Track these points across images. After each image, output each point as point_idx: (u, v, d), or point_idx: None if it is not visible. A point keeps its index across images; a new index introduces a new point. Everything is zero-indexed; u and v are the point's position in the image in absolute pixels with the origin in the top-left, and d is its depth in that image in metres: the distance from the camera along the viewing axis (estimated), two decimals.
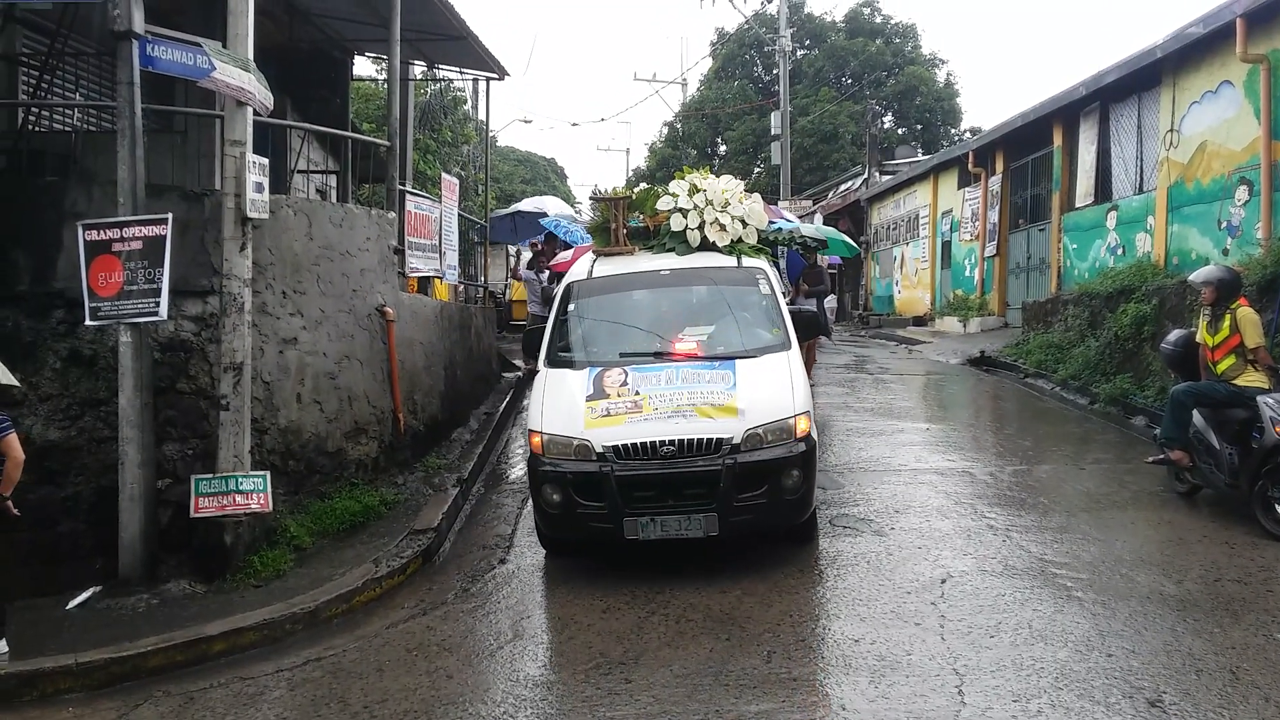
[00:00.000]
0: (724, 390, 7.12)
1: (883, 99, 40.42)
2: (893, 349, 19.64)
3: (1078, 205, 17.00)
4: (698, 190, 8.79)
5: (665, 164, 44.54)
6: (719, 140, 46.64)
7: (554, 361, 7.91)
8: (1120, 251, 15.22)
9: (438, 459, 10.80)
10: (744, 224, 8.76)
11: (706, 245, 8.70)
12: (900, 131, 41.13)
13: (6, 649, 6.50)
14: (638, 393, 7.18)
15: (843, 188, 33.66)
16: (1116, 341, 12.26)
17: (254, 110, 7.97)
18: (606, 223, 9.10)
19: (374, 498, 9.21)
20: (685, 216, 8.71)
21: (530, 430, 7.43)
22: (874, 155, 31.02)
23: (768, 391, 7.17)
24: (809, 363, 13.41)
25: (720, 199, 8.72)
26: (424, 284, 13.19)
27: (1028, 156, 19.29)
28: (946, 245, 23.30)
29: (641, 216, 9.04)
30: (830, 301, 16.80)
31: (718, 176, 9.04)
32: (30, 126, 10.10)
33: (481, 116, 23.86)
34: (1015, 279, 19.88)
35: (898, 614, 6.26)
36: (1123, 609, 6.11)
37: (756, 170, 41.58)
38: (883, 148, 33.52)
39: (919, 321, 23.47)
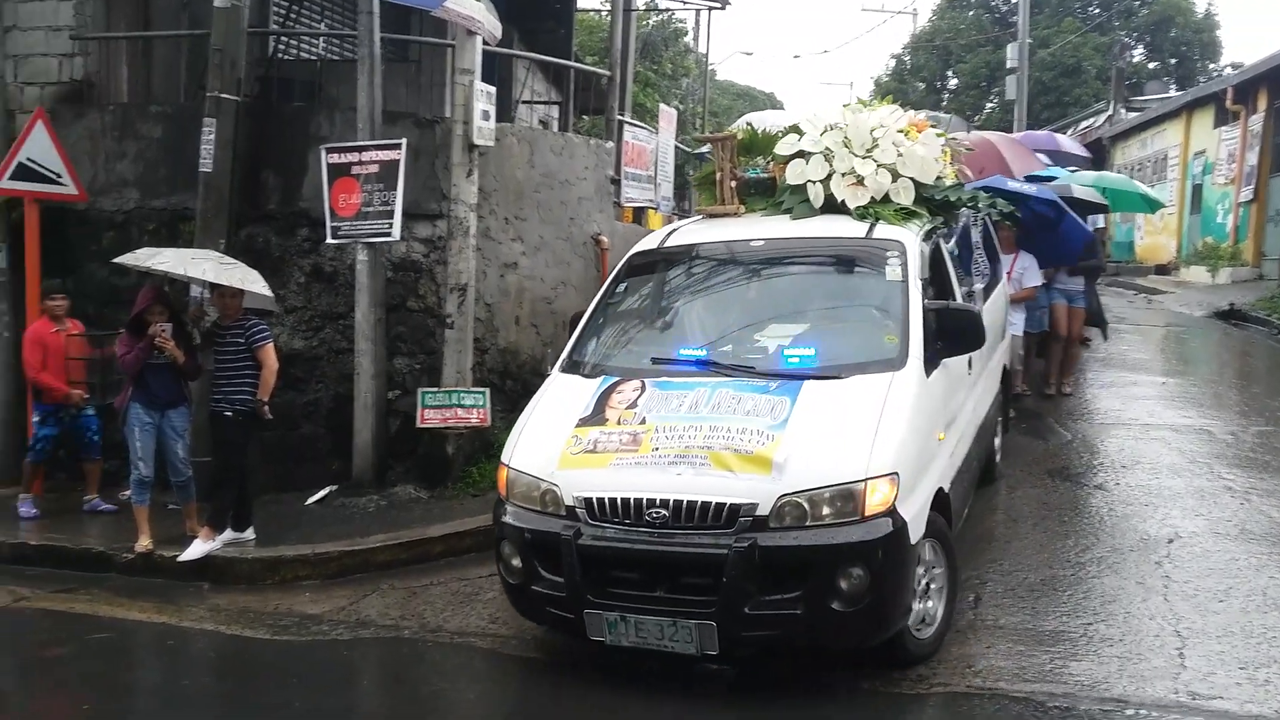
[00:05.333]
0: (764, 428, 4.72)
1: (1133, 30, 37.42)
2: (1130, 298, 18.43)
3: None
4: (833, 128, 6.20)
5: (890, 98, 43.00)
6: (949, 74, 44.46)
7: (569, 365, 5.71)
8: None
9: None
10: (895, 176, 6.07)
11: (835, 205, 6.07)
12: (1151, 66, 37.98)
13: (254, 535, 7.17)
14: (644, 420, 4.94)
15: (1083, 125, 31.51)
16: None
17: (483, 40, 8.20)
18: (714, 172, 6.56)
19: None
20: (807, 163, 6.11)
21: (500, 462, 5.37)
22: (1120, 90, 28.87)
23: (830, 436, 4.72)
24: (1068, 361, 10.16)
25: (864, 139, 6.07)
26: (638, 214, 13.32)
27: None
28: (1197, 189, 21.54)
29: (767, 164, 6.51)
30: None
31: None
32: (279, 55, 10.75)
33: (701, 49, 23.62)
34: (1274, 227, 18.18)
35: (1117, 571, 5.95)
36: None
37: (989, 106, 39.55)
38: (1130, 83, 31.12)
39: (1161, 270, 21.90)
